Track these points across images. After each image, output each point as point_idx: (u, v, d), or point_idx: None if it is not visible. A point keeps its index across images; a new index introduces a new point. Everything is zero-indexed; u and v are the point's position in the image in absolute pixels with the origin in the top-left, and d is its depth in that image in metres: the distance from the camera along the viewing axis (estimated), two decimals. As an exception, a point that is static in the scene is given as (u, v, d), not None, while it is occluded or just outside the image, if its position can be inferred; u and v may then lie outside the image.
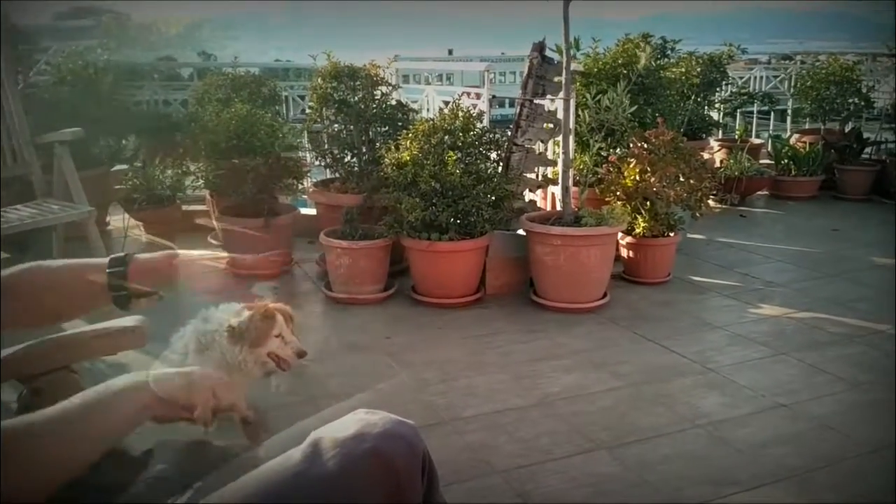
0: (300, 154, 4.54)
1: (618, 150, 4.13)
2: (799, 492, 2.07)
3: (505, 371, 2.88)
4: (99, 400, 0.97)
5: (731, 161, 5.75)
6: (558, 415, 2.51)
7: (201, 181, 4.15)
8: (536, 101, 3.97)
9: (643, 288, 3.84)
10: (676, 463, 2.22)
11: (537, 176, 4.17)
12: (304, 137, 4.60)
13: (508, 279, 3.73)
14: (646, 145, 3.86)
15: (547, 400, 2.62)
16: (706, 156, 4.89)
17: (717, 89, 6.66)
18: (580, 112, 4.08)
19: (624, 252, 3.93)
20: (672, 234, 3.87)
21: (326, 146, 4.24)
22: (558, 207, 3.84)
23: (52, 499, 0.89)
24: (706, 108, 6.54)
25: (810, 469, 2.17)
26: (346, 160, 4.20)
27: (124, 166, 4.83)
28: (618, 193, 3.88)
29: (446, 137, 3.48)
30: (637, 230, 3.85)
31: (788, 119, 7.24)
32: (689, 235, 4.49)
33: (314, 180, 4.66)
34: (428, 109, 5.22)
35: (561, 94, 3.71)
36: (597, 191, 4.03)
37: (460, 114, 3.59)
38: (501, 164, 3.87)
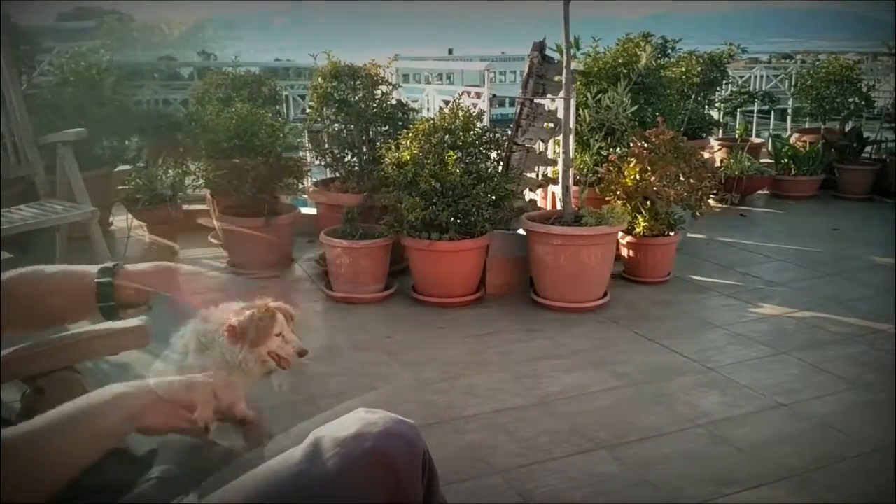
0: (300, 153, 4.54)
1: (618, 149, 4.13)
2: (799, 491, 2.07)
3: (505, 370, 2.88)
4: (98, 402, 0.97)
5: (732, 160, 5.74)
6: (558, 414, 2.52)
7: (202, 181, 4.16)
8: (537, 100, 3.97)
9: (643, 287, 3.84)
10: (676, 462, 2.22)
11: (537, 175, 4.16)
12: (304, 137, 4.60)
13: (509, 278, 3.73)
14: (646, 145, 3.87)
15: (547, 399, 2.62)
16: (706, 155, 4.88)
17: (718, 88, 6.66)
18: (580, 111, 4.09)
19: (624, 251, 3.93)
20: (672, 234, 3.87)
21: (327, 146, 4.25)
22: (559, 207, 3.84)
23: (53, 499, 0.90)
24: (706, 107, 6.54)
25: (810, 468, 2.17)
26: (346, 160, 4.21)
27: (127, 166, 4.83)
28: (618, 193, 3.88)
29: (446, 137, 3.48)
30: (637, 229, 3.85)
31: (789, 118, 7.24)
32: (690, 235, 4.49)
33: (314, 180, 4.66)
34: (428, 109, 5.23)
35: (561, 94, 3.71)
36: (597, 190, 4.04)
37: (460, 113, 3.59)
38: (502, 163, 3.87)
